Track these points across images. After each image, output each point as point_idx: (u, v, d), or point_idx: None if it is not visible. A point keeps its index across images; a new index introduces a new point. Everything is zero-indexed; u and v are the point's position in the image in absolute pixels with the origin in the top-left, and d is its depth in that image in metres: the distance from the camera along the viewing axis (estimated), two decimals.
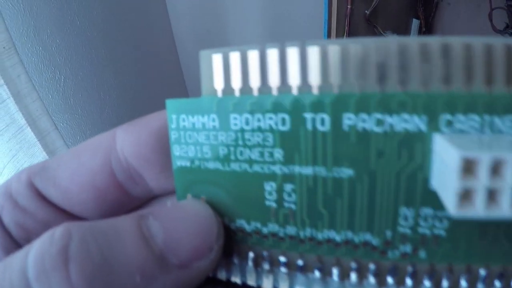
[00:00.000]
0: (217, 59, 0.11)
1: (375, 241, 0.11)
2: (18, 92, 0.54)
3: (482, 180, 0.08)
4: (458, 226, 0.10)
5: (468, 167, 0.08)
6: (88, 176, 0.13)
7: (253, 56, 0.11)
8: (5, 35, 0.51)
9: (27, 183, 0.13)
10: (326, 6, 0.53)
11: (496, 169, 0.08)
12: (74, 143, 0.70)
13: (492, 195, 0.08)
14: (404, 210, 0.10)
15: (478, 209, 0.08)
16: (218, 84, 0.11)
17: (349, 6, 0.54)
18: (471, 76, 0.09)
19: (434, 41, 0.09)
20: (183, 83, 0.98)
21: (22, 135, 0.57)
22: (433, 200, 0.10)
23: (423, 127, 0.10)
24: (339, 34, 0.55)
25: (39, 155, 0.59)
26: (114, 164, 0.13)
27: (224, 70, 0.11)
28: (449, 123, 0.09)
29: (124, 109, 0.80)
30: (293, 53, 0.10)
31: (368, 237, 0.11)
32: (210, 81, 0.11)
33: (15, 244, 0.13)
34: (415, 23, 0.66)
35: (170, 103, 0.12)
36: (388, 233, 0.10)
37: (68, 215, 0.13)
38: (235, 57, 0.11)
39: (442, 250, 0.10)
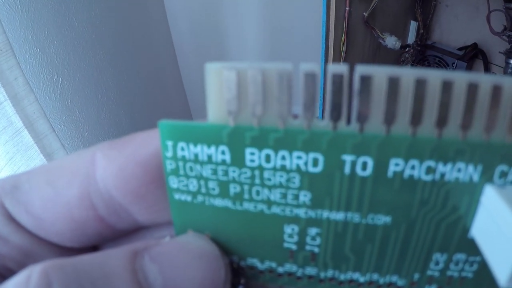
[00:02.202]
0: (229, 77, 0.09)
1: (401, 282, 0.10)
2: (15, 95, 0.54)
3: None
4: (485, 269, 0.10)
5: None
6: (63, 207, 0.11)
7: (282, 76, 0.08)
8: (3, 37, 0.50)
9: None
10: (324, 8, 0.52)
11: None
12: (72, 145, 0.70)
13: None
14: (437, 256, 0.10)
15: None
16: (231, 109, 0.09)
17: (347, 8, 0.54)
18: None
19: (507, 84, 0.08)
20: (181, 84, 0.97)
21: (19, 138, 0.56)
22: (468, 247, 0.10)
23: (475, 177, 0.09)
24: (337, 36, 0.55)
25: (36, 158, 0.59)
26: (93, 197, 0.11)
27: (239, 92, 0.09)
28: (503, 174, 0.08)
29: (122, 110, 0.80)
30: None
31: (394, 278, 0.10)
32: (219, 105, 0.09)
33: None
34: (413, 25, 0.66)
35: (164, 126, 0.09)
36: (416, 276, 0.10)
37: (45, 242, 0.12)
38: (255, 77, 0.08)
39: None
